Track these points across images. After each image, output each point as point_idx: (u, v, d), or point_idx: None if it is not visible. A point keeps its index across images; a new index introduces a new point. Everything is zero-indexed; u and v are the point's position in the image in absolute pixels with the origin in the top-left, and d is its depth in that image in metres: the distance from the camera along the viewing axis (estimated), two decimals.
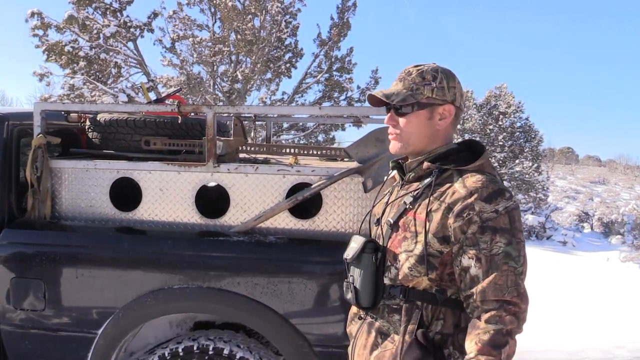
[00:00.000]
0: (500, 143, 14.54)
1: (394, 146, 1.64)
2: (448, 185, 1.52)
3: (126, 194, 2.81)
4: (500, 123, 14.89)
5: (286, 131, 13.13)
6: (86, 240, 2.57)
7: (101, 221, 2.71)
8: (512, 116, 15.14)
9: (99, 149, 2.89)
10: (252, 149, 3.14)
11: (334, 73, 12.99)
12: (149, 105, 2.95)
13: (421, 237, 1.49)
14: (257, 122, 4.03)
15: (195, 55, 12.18)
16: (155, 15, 12.10)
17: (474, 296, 1.42)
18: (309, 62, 13.01)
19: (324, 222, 2.57)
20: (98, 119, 2.88)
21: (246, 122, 4.31)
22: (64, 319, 2.55)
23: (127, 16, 11.66)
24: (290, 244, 2.50)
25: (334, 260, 2.28)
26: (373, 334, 1.62)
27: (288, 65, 13.02)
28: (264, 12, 11.68)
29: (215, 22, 12.51)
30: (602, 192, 22.47)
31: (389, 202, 1.69)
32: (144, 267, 2.50)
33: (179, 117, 2.75)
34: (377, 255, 1.60)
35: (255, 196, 2.60)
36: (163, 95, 4.52)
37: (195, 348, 2.45)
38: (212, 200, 2.92)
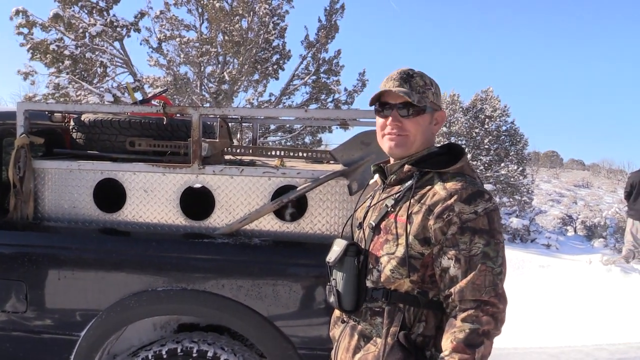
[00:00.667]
0: (486, 146, 14.65)
1: (396, 147, 1.60)
2: (429, 187, 1.53)
3: (110, 195, 2.80)
4: (486, 126, 15.00)
5: (273, 133, 13.11)
6: (69, 242, 2.55)
7: (84, 222, 2.69)
8: (498, 120, 15.27)
9: (83, 150, 2.87)
10: (238, 150, 3.14)
11: (322, 75, 13.00)
12: (133, 105, 2.94)
13: (402, 240, 1.51)
14: (243, 124, 4.02)
15: (182, 56, 12.12)
16: (142, 14, 12.01)
17: (453, 296, 1.43)
18: (297, 63, 13.00)
19: (309, 224, 2.58)
20: (82, 119, 2.86)
21: (233, 123, 4.31)
22: (47, 321, 2.52)
23: (114, 15, 11.57)
24: (275, 246, 2.51)
25: (319, 262, 2.28)
26: (356, 337, 1.62)
27: (275, 66, 13.00)
28: (251, 13, 11.67)
29: (203, 22, 12.45)
30: (586, 195, 22.73)
31: (371, 205, 1.70)
32: (127, 269, 2.48)
33: (164, 118, 2.74)
34: (359, 258, 1.61)
35: (240, 198, 2.60)
36: (149, 95, 4.50)
37: (179, 350, 2.44)
38: (197, 202, 2.91)
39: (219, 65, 12.54)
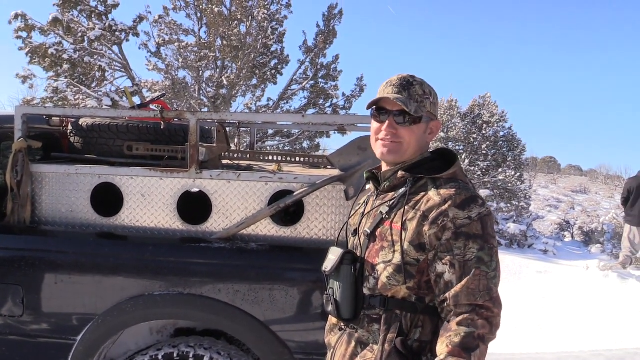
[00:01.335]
0: (484, 152, 14.68)
1: (389, 153, 1.60)
2: (423, 193, 1.54)
3: (108, 199, 2.80)
4: (483, 132, 15.04)
5: (271, 137, 13.13)
6: (66, 246, 2.55)
7: (82, 226, 2.69)
8: (496, 125, 15.31)
9: (81, 154, 2.87)
10: (235, 155, 3.14)
11: (320, 80, 13.05)
12: (131, 110, 2.95)
13: (398, 247, 1.51)
14: (241, 129, 4.03)
15: (180, 60, 12.15)
16: (140, 19, 12.06)
17: (448, 300, 1.44)
18: (295, 68, 13.08)
19: (305, 229, 2.58)
20: (80, 123, 2.86)
21: (230, 128, 4.31)
22: (43, 325, 2.52)
23: (113, 20, 11.61)
24: (272, 251, 2.51)
25: (316, 267, 2.28)
26: (353, 344, 1.62)
27: (274, 71, 13.05)
28: (250, 18, 11.71)
29: (201, 27, 12.49)
30: (583, 201, 22.77)
31: (365, 212, 1.70)
32: (124, 273, 2.48)
33: (162, 122, 2.74)
34: (355, 266, 1.60)
35: (237, 203, 2.60)
36: (147, 100, 4.51)
37: (175, 355, 2.44)
38: (195, 207, 2.91)
39: (218, 70, 12.57)
